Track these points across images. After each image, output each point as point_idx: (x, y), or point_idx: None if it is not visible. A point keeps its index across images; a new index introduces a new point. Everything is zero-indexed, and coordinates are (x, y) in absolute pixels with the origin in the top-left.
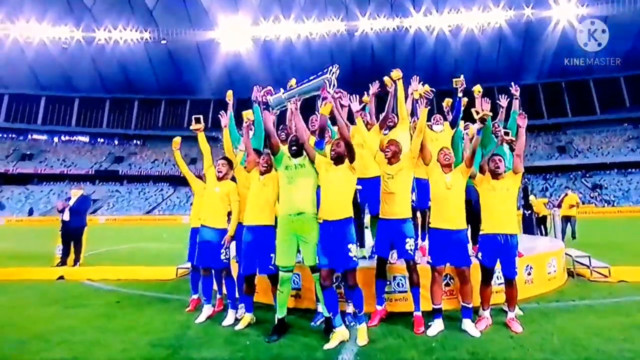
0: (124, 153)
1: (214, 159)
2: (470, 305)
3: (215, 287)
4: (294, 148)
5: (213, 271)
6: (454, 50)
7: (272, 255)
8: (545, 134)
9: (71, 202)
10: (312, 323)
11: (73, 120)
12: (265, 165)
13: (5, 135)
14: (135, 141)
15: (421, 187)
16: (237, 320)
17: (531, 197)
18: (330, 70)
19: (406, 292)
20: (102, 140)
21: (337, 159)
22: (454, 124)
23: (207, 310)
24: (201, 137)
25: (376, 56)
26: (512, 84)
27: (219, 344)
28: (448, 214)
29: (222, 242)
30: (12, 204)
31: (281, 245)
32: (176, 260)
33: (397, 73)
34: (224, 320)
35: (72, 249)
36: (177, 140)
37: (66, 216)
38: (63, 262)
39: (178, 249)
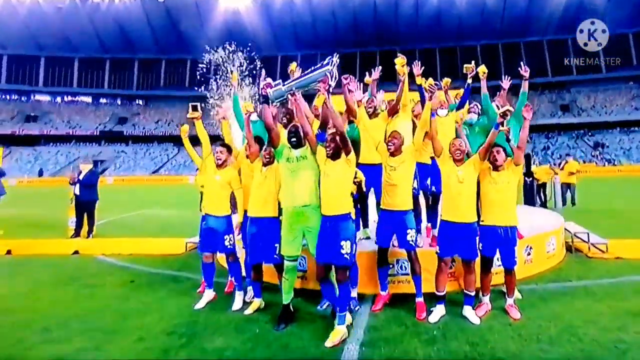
0: (127, 114)
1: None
2: (473, 294)
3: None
4: (293, 139)
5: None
6: (458, 7)
7: (276, 245)
8: (549, 92)
9: (81, 177)
10: (319, 307)
11: (74, 81)
12: (268, 157)
13: (7, 97)
14: (137, 101)
15: (423, 171)
16: (245, 304)
17: (533, 167)
18: (331, 61)
19: (409, 274)
20: (104, 100)
21: (334, 155)
22: (460, 109)
23: (208, 295)
24: (199, 125)
25: (378, 13)
26: (522, 64)
27: (230, 331)
28: (460, 208)
29: (226, 230)
30: (22, 165)
31: (286, 236)
32: (185, 229)
33: (401, 60)
34: (232, 305)
35: (86, 221)
36: (185, 128)
37: (77, 190)
38: (77, 234)
39: (186, 217)
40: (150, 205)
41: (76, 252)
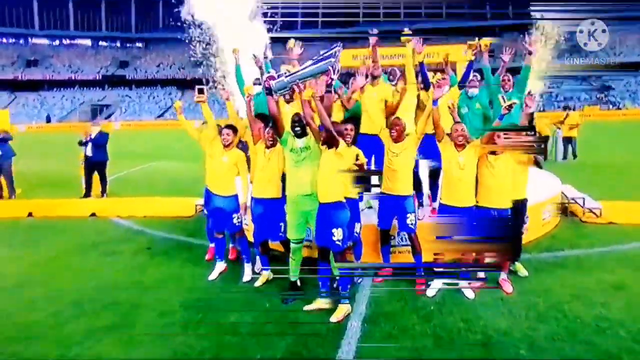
0: (127, 57)
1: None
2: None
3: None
4: (297, 128)
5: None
6: None
7: (281, 224)
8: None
9: (92, 137)
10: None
11: (71, 24)
12: (271, 139)
13: (5, 41)
14: (137, 44)
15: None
16: (255, 274)
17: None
18: (334, 52)
19: (409, 245)
20: (104, 43)
21: (326, 145)
22: (461, 87)
23: (220, 267)
24: (205, 108)
25: None
26: (527, 36)
27: (242, 306)
28: (459, 193)
29: (234, 209)
30: (29, 110)
31: (291, 220)
32: (193, 186)
33: (406, 38)
34: (243, 277)
35: (99, 181)
36: (178, 104)
37: (89, 151)
38: (88, 194)
39: (193, 171)
40: (157, 156)
41: (93, 215)
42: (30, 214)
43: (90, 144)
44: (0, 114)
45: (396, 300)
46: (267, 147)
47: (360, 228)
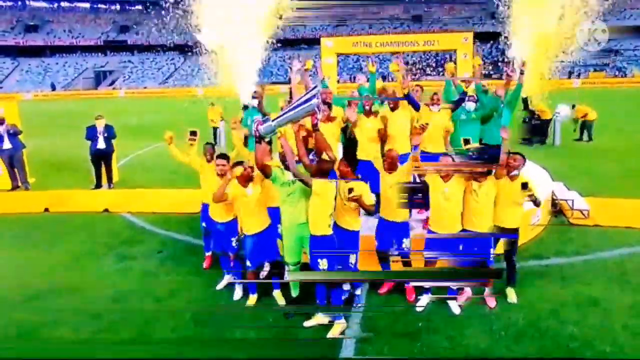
0: (128, 22)
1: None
2: (455, 288)
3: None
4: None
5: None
6: None
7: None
8: None
9: (102, 130)
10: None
11: None
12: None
13: (2, 4)
14: (137, 7)
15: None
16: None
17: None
18: (316, 94)
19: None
20: (103, 6)
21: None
22: (455, 108)
23: (228, 279)
24: (193, 152)
25: None
26: (522, 62)
27: (247, 320)
28: (444, 221)
29: (232, 232)
30: (33, 77)
31: (287, 245)
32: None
33: (394, 65)
34: (233, 295)
35: (105, 172)
36: (168, 134)
37: (101, 144)
38: (98, 185)
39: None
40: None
41: (106, 210)
42: (46, 210)
43: (101, 137)
44: (9, 106)
45: (387, 315)
46: (245, 183)
47: (357, 259)
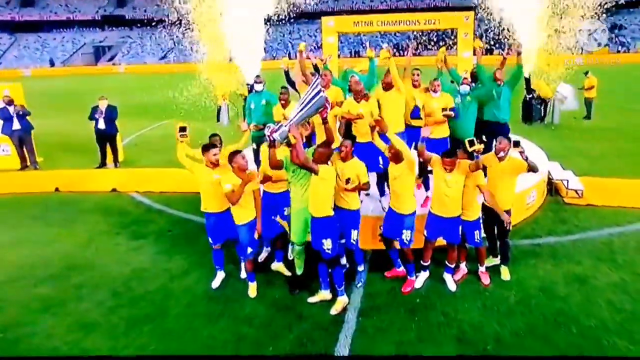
0: None
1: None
2: (452, 265)
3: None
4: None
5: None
6: None
7: (273, 218)
8: None
9: (104, 112)
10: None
11: None
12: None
13: None
14: None
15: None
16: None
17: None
18: (319, 87)
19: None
20: None
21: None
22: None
23: (221, 275)
24: (185, 147)
25: None
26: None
27: (255, 298)
28: (446, 206)
29: (230, 220)
30: (32, 53)
31: (296, 226)
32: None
33: (385, 53)
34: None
35: (110, 152)
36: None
37: (101, 125)
38: (103, 163)
39: (202, 132)
40: (168, 112)
41: (114, 190)
42: (57, 189)
43: (101, 119)
44: (15, 88)
45: (387, 292)
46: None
47: (358, 235)
